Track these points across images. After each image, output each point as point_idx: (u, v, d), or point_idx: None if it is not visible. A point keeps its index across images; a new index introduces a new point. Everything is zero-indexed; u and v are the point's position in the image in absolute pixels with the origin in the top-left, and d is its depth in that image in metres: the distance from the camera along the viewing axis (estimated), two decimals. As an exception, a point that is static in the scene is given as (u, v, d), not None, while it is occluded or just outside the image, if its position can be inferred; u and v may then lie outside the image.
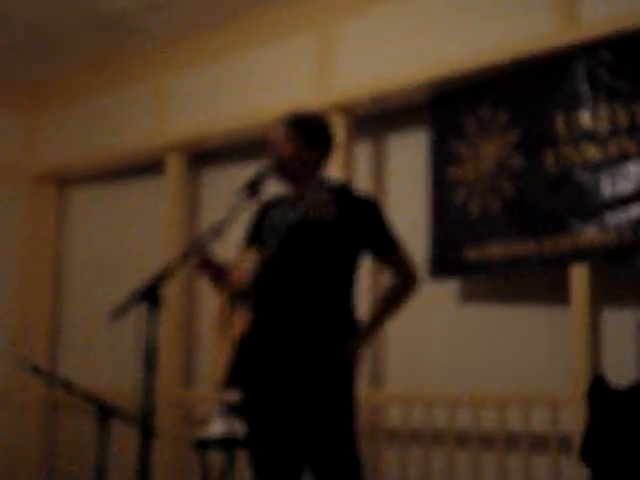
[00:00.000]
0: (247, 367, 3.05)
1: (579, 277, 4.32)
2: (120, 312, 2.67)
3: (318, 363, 2.97)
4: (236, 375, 3.00)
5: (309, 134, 3.16)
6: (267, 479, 3.03)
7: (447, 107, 4.97)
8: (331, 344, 3.00)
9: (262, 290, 3.06)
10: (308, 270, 3.03)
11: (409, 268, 3.19)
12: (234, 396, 4.52)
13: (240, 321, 2.97)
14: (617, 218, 4.24)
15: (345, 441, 2.97)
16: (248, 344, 3.04)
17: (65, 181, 7.17)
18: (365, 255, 3.19)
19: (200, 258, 2.97)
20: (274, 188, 3.28)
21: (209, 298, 6.14)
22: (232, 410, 4.56)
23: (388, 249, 3.16)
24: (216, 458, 5.41)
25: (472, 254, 4.74)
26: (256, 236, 3.21)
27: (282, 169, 3.14)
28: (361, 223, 3.11)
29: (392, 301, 3.19)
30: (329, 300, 3.03)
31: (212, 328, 3.26)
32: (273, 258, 3.08)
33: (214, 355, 3.19)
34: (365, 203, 3.18)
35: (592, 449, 3.83)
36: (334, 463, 2.94)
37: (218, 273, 3.03)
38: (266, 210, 3.24)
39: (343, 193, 3.19)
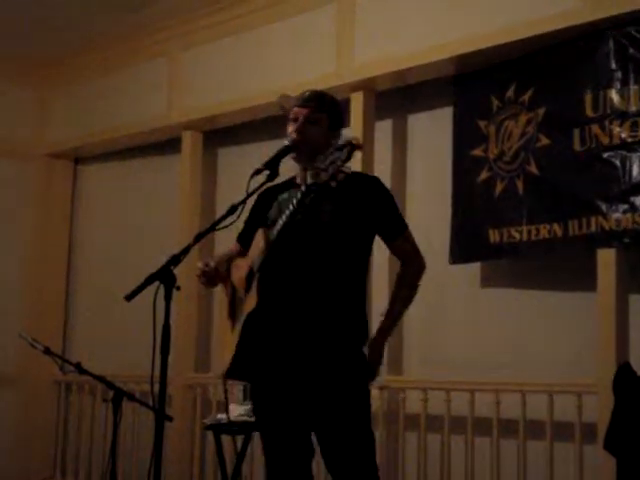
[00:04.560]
0: (251, 356, 2.95)
1: (606, 262, 4.22)
2: (135, 293, 2.62)
3: (326, 355, 2.88)
4: (240, 364, 2.92)
5: (334, 120, 3.08)
6: (276, 458, 2.99)
7: (471, 84, 4.90)
8: (340, 339, 2.91)
9: (268, 277, 2.95)
10: (311, 259, 2.93)
11: (416, 249, 3.08)
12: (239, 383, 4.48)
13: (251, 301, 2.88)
14: (646, 200, 4.12)
15: (353, 419, 2.88)
16: (252, 333, 2.93)
17: (79, 158, 7.21)
18: (371, 240, 3.06)
19: (207, 274, 3.03)
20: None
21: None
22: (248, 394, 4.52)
23: (395, 231, 3.05)
24: (230, 441, 5.37)
25: (495, 236, 4.63)
26: (257, 226, 3.06)
27: (300, 150, 3.01)
28: (365, 206, 2.98)
29: (406, 287, 3.06)
30: (334, 287, 2.91)
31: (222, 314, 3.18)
32: (278, 245, 2.95)
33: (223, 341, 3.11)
34: (369, 184, 3.06)
35: (618, 438, 3.76)
36: (342, 440, 2.86)
37: (221, 280, 3.13)
38: (268, 198, 3.11)
39: (347, 177, 3.02)
